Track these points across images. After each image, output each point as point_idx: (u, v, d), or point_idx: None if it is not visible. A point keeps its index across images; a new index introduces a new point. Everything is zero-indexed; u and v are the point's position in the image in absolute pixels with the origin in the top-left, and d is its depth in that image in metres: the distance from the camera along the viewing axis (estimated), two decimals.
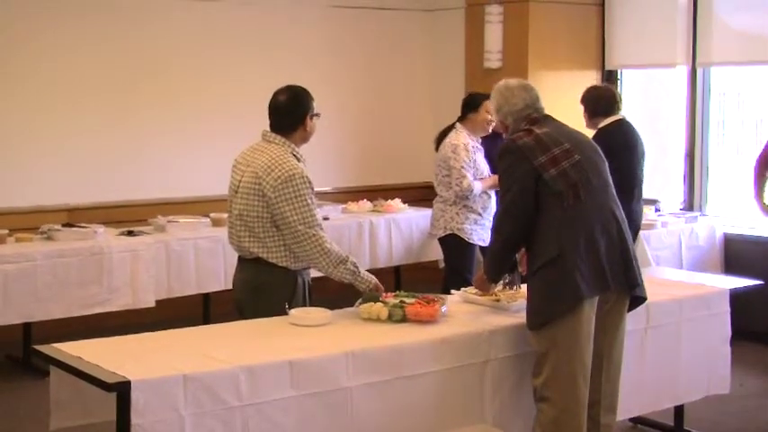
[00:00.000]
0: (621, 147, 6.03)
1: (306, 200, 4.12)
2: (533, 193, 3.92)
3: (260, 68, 8.10)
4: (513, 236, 4.00)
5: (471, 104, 6.45)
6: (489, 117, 6.33)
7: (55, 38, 7.28)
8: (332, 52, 8.64)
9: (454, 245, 6.36)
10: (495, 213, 4.19)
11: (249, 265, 4.29)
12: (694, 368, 4.84)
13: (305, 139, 4.31)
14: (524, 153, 3.94)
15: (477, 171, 6.32)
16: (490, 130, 6.40)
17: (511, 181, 3.98)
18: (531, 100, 4.15)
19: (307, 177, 4.16)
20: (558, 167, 3.91)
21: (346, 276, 4.18)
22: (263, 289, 4.23)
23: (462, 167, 6.24)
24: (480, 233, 6.30)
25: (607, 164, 4.14)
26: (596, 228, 3.93)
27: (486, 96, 6.47)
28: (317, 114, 4.34)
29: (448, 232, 6.36)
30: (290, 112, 4.26)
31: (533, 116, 4.11)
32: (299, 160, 4.24)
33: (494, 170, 6.49)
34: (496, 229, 4.08)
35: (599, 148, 4.16)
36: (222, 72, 8.02)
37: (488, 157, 6.49)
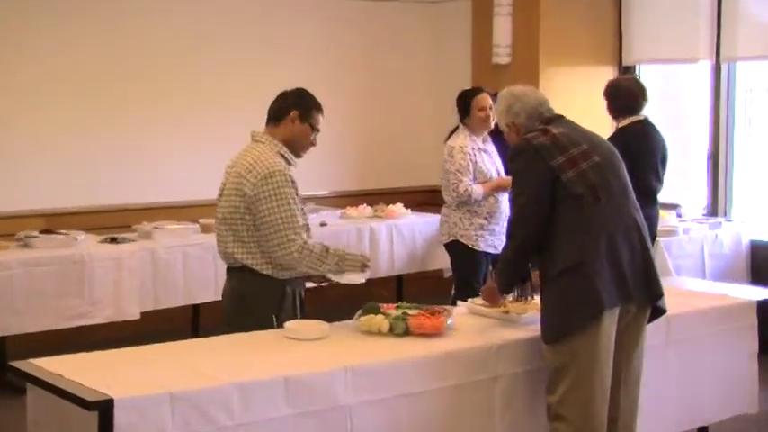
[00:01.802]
0: (640, 150, 6.03)
1: (287, 199, 4.14)
2: (549, 196, 3.93)
3: (253, 65, 8.12)
4: (527, 241, 4.01)
5: (462, 107, 6.44)
6: (484, 113, 6.32)
7: (35, 36, 7.29)
8: (330, 48, 8.65)
9: (459, 252, 6.36)
10: (509, 221, 4.19)
11: (235, 273, 4.33)
12: (719, 386, 4.83)
13: (289, 142, 4.30)
14: (540, 153, 3.95)
15: (479, 174, 6.31)
16: (492, 125, 6.39)
17: (525, 183, 3.99)
18: (543, 99, 4.21)
19: (289, 176, 4.19)
20: (577, 169, 3.92)
21: (331, 274, 4.26)
22: (246, 300, 4.26)
23: (458, 171, 6.25)
24: (488, 239, 6.29)
25: (625, 167, 4.15)
26: (617, 233, 3.94)
27: (476, 91, 6.49)
28: (316, 129, 4.35)
29: (452, 238, 6.37)
30: (277, 101, 4.36)
31: (546, 115, 4.13)
32: (288, 162, 4.26)
33: (507, 171, 6.48)
34: (509, 235, 4.10)
35: (616, 151, 4.18)
36: (213, 69, 8.03)
37: (502, 157, 6.49)
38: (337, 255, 4.24)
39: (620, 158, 4.15)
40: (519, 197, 4.03)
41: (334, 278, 4.32)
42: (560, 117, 4.17)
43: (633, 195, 4.12)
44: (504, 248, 4.18)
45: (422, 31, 9.22)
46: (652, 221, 6.17)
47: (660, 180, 6.24)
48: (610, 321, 3.93)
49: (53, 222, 7.11)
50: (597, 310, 3.87)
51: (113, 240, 6.59)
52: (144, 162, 7.73)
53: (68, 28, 7.43)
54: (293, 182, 4.21)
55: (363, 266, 4.32)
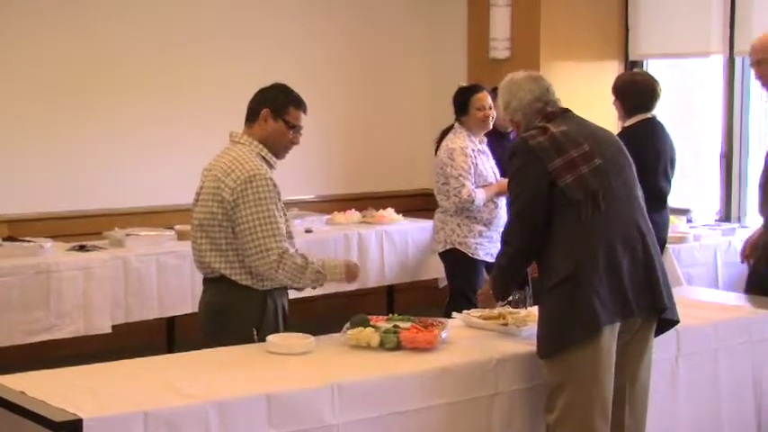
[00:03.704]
0: (648, 151, 6.03)
1: (267, 204, 4.14)
2: (545, 202, 3.92)
3: (231, 61, 8.11)
4: (523, 249, 4.02)
5: (459, 105, 6.44)
6: (483, 113, 6.33)
7: None
8: (314, 42, 8.65)
9: (456, 261, 6.36)
10: (505, 223, 4.20)
11: (212, 284, 4.34)
12: (737, 405, 4.82)
13: (266, 143, 4.31)
14: (537, 155, 3.94)
15: (479, 178, 6.32)
16: (491, 125, 6.40)
17: (521, 186, 3.99)
18: (541, 91, 4.16)
19: (271, 180, 4.20)
20: (576, 173, 3.91)
21: (312, 285, 4.26)
22: (226, 312, 4.27)
23: (460, 175, 6.24)
24: (487, 247, 6.30)
25: (634, 167, 4.14)
26: (618, 243, 3.93)
27: (475, 89, 6.49)
28: (295, 126, 4.34)
29: (449, 246, 6.37)
30: (252, 100, 4.37)
31: (548, 110, 4.11)
32: (269, 165, 4.26)
33: (503, 173, 6.50)
34: (505, 241, 4.11)
35: (625, 149, 4.16)
36: (189, 65, 8.01)
37: (495, 158, 6.51)
38: (316, 270, 4.23)
39: (627, 158, 4.12)
40: (514, 202, 4.04)
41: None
42: (565, 112, 4.14)
43: (639, 199, 4.10)
44: (499, 255, 4.19)
45: (414, 24, 9.22)
46: (661, 227, 6.17)
47: (670, 182, 6.25)
48: (609, 337, 3.92)
49: (17, 229, 7.09)
50: (593, 327, 3.86)
51: (82, 248, 6.57)
52: (115, 164, 7.71)
53: (33, 24, 7.41)
54: (275, 185, 4.20)
55: (348, 275, 4.32)
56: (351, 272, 4.35)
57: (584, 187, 3.91)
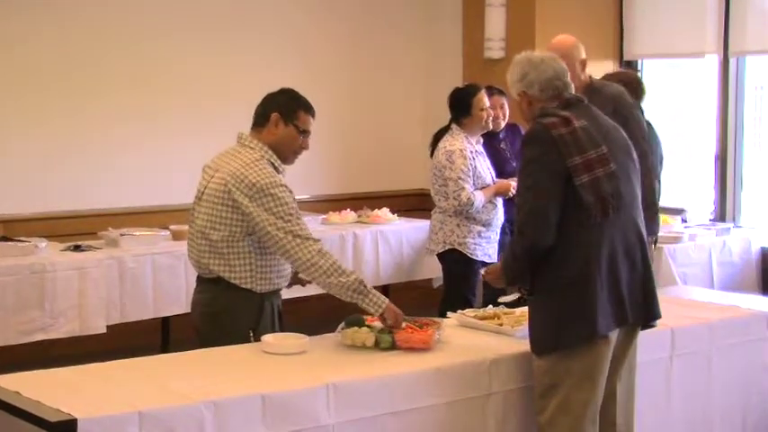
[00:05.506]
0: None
1: (288, 208, 4.14)
2: (562, 194, 3.84)
3: (229, 59, 8.09)
4: (540, 240, 3.86)
5: (460, 106, 6.41)
6: (486, 113, 6.33)
7: None
8: (309, 42, 8.64)
9: (455, 261, 6.36)
10: (519, 213, 3.99)
11: (208, 285, 4.32)
12: (729, 403, 4.84)
13: (275, 148, 4.30)
14: (558, 147, 3.84)
15: (478, 180, 6.31)
16: (491, 126, 6.41)
17: (538, 175, 3.86)
18: (561, 71, 4.07)
19: (286, 187, 4.20)
20: (591, 175, 3.85)
21: (347, 294, 4.09)
22: (223, 314, 4.26)
23: (459, 178, 6.23)
24: (485, 248, 6.30)
25: (639, 168, 4.11)
26: (619, 251, 3.91)
27: (475, 89, 6.48)
28: (305, 131, 4.34)
29: (447, 247, 6.36)
30: (260, 104, 4.36)
31: (565, 96, 4.02)
32: (277, 170, 4.26)
33: (498, 174, 6.50)
34: (520, 232, 3.96)
35: (633, 149, 4.11)
36: (185, 59, 7.99)
37: (491, 158, 6.51)
38: (362, 285, 4.10)
39: (634, 159, 4.08)
40: (530, 190, 3.89)
41: None
42: (579, 101, 4.05)
43: (639, 202, 4.07)
44: (514, 244, 4.07)
45: (410, 23, 9.22)
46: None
47: (659, 180, 6.24)
48: (606, 343, 3.91)
49: (11, 229, 7.08)
50: (591, 334, 3.85)
51: (77, 248, 6.56)
52: (110, 164, 7.69)
53: (28, 22, 7.40)
54: (291, 192, 4.21)
55: (389, 313, 4.13)
56: (393, 312, 4.14)
57: (597, 190, 3.85)
